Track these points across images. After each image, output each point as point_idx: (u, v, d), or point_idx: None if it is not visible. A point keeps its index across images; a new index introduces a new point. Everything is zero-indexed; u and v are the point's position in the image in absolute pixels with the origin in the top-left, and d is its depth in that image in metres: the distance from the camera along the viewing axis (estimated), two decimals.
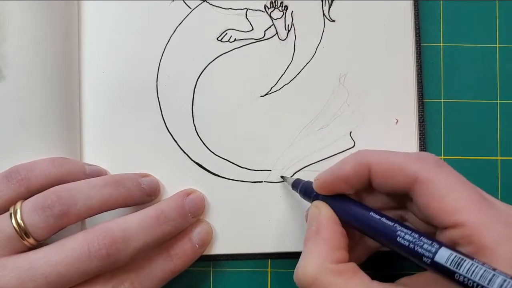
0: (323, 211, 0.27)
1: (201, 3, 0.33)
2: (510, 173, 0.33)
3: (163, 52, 0.33)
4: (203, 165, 0.33)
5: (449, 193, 0.23)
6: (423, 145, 0.33)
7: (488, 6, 0.34)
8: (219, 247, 0.32)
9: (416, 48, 0.33)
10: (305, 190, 0.29)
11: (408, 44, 0.33)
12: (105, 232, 0.26)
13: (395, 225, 0.24)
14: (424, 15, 0.34)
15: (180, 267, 0.30)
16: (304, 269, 0.24)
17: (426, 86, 0.34)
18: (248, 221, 0.32)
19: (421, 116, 0.33)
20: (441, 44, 0.34)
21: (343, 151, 0.33)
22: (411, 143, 0.33)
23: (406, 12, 0.33)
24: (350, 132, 0.33)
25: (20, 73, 0.30)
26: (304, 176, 0.32)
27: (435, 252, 0.22)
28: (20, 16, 0.30)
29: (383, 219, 0.24)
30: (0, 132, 0.30)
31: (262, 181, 0.33)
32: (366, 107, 0.33)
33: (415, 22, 0.33)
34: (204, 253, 0.32)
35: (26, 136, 0.30)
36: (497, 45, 0.34)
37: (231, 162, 0.33)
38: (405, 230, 0.23)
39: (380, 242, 0.25)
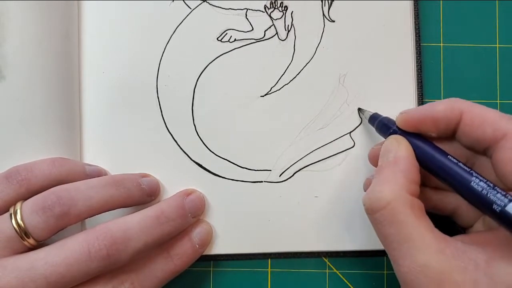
0: (403, 144, 0.27)
1: (201, 3, 0.33)
2: None
3: (163, 52, 0.33)
4: (203, 165, 0.33)
5: None
6: None
7: (488, 6, 0.34)
8: (219, 247, 0.32)
9: (416, 48, 0.33)
10: (383, 124, 0.29)
11: (408, 44, 0.33)
12: (105, 233, 0.26)
13: (471, 171, 0.24)
14: (424, 15, 0.34)
15: (180, 267, 0.30)
16: (379, 193, 0.25)
17: (426, 86, 0.34)
18: (248, 221, 0.32)
19: None
20: (441, 44, 0.34)
21: (343, 151, 0.33)
22: None
23: (406, 12, 0.33)
24: (350, 132, 0.33)
25: (20, 73, 0.30)
26: (304, 176, 0.33)
27: (508, 203, 0.22)
28: (20, 16, 0.30)
29: (460, 164, 0.25)
30: (0, 132, 0.30)
31: (262, 181, 0.33)
32: (366, 107, 0.33)
33: (415, 22, 0.33)
34: (204, 253, 0.32)
35: (26, 136, 0.30)
36: (497, 45, 0.34)
37: (231, 162, 0.33)
38: (480, 177, 0.24)
39: (452, 186, 0.25)
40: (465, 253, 0.23)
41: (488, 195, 0.23)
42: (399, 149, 0.26)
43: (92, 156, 0.32)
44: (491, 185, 0.23)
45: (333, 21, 0.33)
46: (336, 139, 0.33)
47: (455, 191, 0.25)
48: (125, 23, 0.33)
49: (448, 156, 0.26)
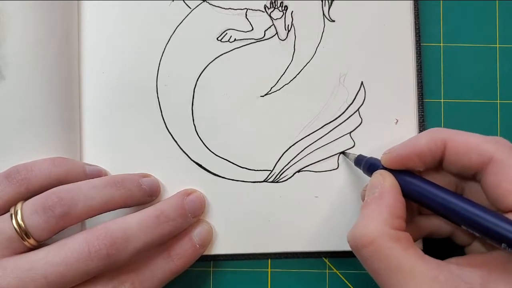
0: (388, 179, 0.27)
1: (201, 3, 0.33)
2: None
3: (163, 52, 0.33)
4: (203, 165, 0.33)
5: None
6: None
7: (488, 6, 0.34)
8: (219, 247, 0.32)
9: (416, 48, 0.33)
10: (370, 165, 0.29)
11: (408, 44, 0.33)
12: (105, 232, 0.26)
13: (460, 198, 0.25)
14: (424, 15, 0.34)
15: (180, 267, 0.30)
16: (364, 229, 0.25)
17: (426, 86, 0.34)
18: (248, 221, 0.32)
19: (421, 116, 0.33)
20: (441, 44, 0.34)
21: (343, 151, 0.33)
22: None
23: (406, 12, 0.33)
24: (350, 132, 0.33)
25: (20, 73, 0.30)
26: (305, 176, 0.33)
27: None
28: (20, 16, 0.30)
29: (448, 193, 0.25)
30: (0, 132, 0.30)
31: (262, 181, 0.33)
32: (366, 107, 0.33)
33: (415, 22, 0.33)
34: (204, 253, 0.32)
35: (26, 136, 0.30)
36: (497, 45, 0.34)
37: (231, 162, 0.33)
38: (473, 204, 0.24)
39: (443, 216, 0.25)
40: (460, 276, 0.23)
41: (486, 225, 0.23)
42: (384, 184, 0.26)
43: (92, 156, 0.32)
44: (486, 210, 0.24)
45: (333, 21, 0.33)
46: (336, 139, 0.33)
47: (448, 220, 0.25)
48: (125, 23, 0.33)
49: (435, 188, 0.26)
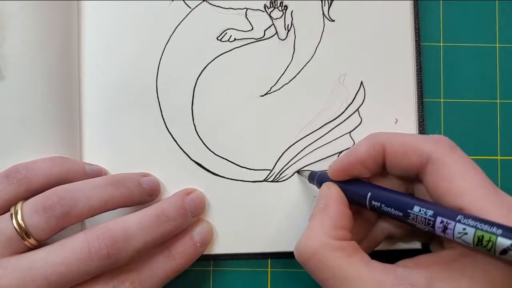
0: (333, 190, 0.27)
1: (201, 3, 0.33)
2: (510, 173, 0.33)
3: (163, 52, 0.33)
4: (203, 165, 0.33)
5: (458, 175, 0.23)
6: None
7: (488, 6, 0.34)
8: (219, 247, 0.32)
9: (416, 48, 0.33)
10: (322, 179, 0.29)
11: (408, 44, 0.33)
12: (105, 232, 0.26)
13: (409, 197, 0.24)
14: (424, 15, 0.34)
15: (181, 266, 0.30)
16: (305, 242, 0.25)
17: (426, 86, 0.34)
18: (248, 221, 0.32)
19: (421, 116, 0.33)
20: (441, 44, 0.34)
21: (343, 151, 0.33)
22: None
23: (406, 12, 0.33)
24: (350, 132, 0.33)
25: (20, 73, 0.30)
26: (305, 175, 0.33)
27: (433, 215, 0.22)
28: (20, 16, 0.30)
29: (394, 192, 0.25)
30: (0, 132, 0.30)
31: (262, 181, 0.33)
32: (366, 107, 0.33)
33: (414, 22, 0.33)
34: (204, 253, 0.32)
35: (26, 136, 0.30)
36: (497, 45, 0.34)
37: (231, 161, 0.33)
38: (422, 202, 0.24)
39: (395, 218, 0.25)
40: (406, 279, 0.23)
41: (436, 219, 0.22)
42: (329, 194, 0.27)
43: (92, 156, 0.32)
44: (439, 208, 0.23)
45: (333, 21, 0.33)
46: (336, 139, 0.33)
47: (400, 219, 0.25)
48: (125, 23, 0.33)
49: (385, 189, 0.26)
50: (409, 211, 0.23)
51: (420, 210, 0.23)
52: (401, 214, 0.24)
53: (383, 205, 0.25)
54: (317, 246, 0.24)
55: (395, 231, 0.29)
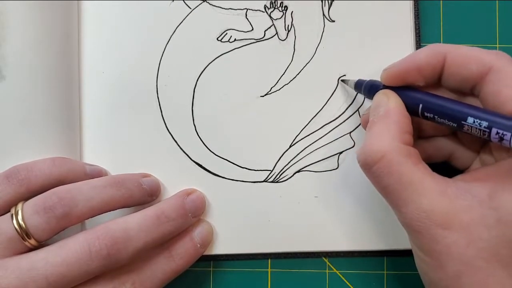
0: (392, 97, 0.27)
1: (201, 3, 0.33)
2: None
3: (163, 52, 0.33)
4: (203, 165, 0.33)
5: None
6: None
7: (488, 6, 0.34)
8: (219, 247, 0.32)
9: (416, 48, 0.33)
10: (371, 87, 0.29)
11: (408, 44, 0.33)
12: (105, 232, 0.26)
13: (466, 105, 0.24)
14: (424, 15, 0.34)
15: (181, 267, 0.30)
16: (374, 146, 0.25)
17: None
18: (248, 221, 0.32)
19: None
20: None
21: (343, 151, 0.33)
22: None
23: (406, 12, 0.33)
24: (350, 132, 0.33)
25: (20, 73, 0.30)
26: (305, 176, 0.33)
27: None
28: (20, 16, 0.30)
29: (454, 101, 0.25)
30: (0, 132, 0.30)
31: (262, 181, 0.33)
32: (366, 107, 0.33)
33: (415, 22, 0.33)
34: (204, 253, 0.32)
35: (26, 136, 0.30)
36: (497, 45, 0.34)
37: (231, 162, 0.33)
38: (477, 108, 0.24)
39: (450, 125, 0.25)
40: (468, 191, 0.23)
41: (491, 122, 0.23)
42: (389, 102, 0.26)
43: (92, 156, 0.32)
44: (491, 112, 0.23)
45: (333, 21, 0.33)
46: (336, 139, 0.33)
47: (454, 129, 0.25)
48: (125, 23, 0.33)
49: (438, 98, 0.26)
50: (463, 122, 0.24)
51: (474, 122, 0.23)
52: (455, 124, 0.24)
53: (436, 116, 0.25)
54: (387, 149, 0.24)
55: (438, 152, 0.29)
